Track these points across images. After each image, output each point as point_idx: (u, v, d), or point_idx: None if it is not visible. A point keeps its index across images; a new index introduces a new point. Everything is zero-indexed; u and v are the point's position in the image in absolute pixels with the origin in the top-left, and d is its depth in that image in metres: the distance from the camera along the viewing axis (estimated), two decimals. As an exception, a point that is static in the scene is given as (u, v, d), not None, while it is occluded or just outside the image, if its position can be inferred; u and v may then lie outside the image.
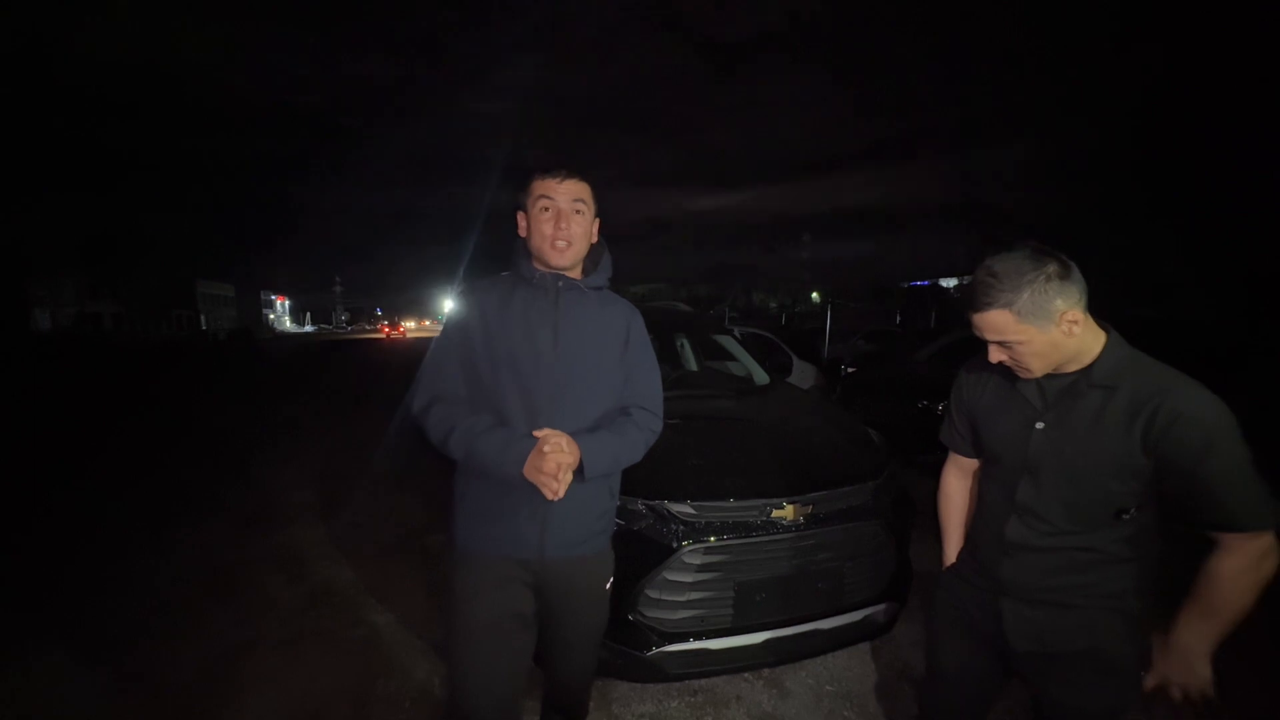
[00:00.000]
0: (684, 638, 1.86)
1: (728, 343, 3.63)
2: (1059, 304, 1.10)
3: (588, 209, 1.40)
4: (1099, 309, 1.17)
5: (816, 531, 1.95)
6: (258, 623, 2.71)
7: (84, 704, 2.19)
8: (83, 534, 3.81)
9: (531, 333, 1.36)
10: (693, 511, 1.90)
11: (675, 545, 1.86)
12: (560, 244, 1.35)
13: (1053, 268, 1.09)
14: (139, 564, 3.34)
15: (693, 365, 3.75)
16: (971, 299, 1.17)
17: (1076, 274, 1.12)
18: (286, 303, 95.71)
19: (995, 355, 1.20)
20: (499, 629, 1.38)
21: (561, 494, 1.27)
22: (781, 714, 2.12)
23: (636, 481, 1.97)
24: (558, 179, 1.37)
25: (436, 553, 3.42)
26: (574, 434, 1.33)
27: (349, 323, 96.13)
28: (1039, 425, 1.20)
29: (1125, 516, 1.14)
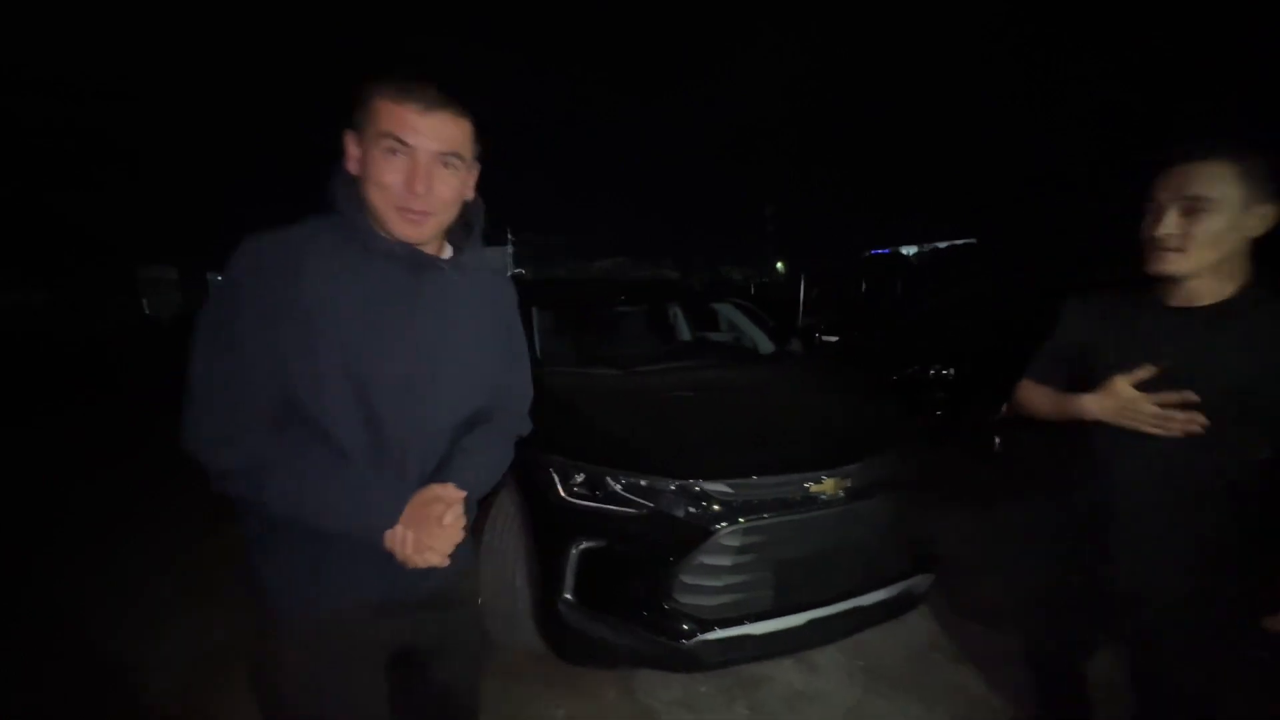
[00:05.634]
0: (724, 624, 1.75)
1: (727, 310, 3.49)
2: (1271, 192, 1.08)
3: (464, 163, 0.92)
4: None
5: (855, 503, 1.86)
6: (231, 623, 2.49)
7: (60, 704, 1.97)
8: (45, 534, 3.48)
9: (379, 328, 0.90)
10: (728, 490, 1.77)
11: (711, 527, 1.73)
12: (415, 214, 0.89)
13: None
14: (109, 562, 3.06)
15: (686, 335, 3.60)
16: (1190, 147, 1.10)
17: None
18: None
19: (1166, 226, 1.11)
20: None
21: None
22: (815, 692, 2.05)
23: (664, 459, 1.84)
24: (418, 108, 0.86)
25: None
26: (443, 467, 0.97)
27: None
28: (1166, 363, 1.12)
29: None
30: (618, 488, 1.81)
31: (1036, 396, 1.40)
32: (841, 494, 1.84)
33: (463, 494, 0.94)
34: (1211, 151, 1.08)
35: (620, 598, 1.78)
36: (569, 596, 1.81)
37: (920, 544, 2.07)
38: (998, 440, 4.30)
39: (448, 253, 1.03)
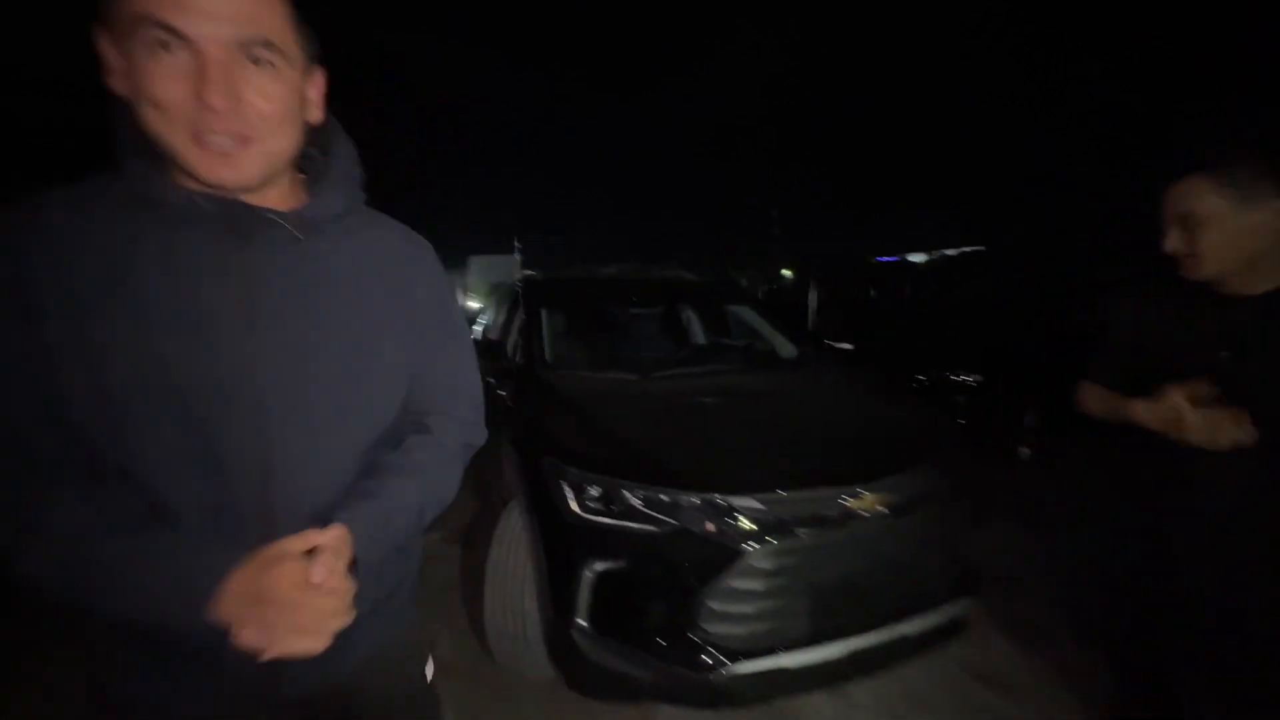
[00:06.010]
0: (755, 655, 1.57)
1: (744, 313, 3.32)
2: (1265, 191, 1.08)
3: (285, 59, 0.63)
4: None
5: (897, 519, 1.69)
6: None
7: None
8: None
9: (194, 323, 0.63)
10: (759, 506, 1.60)
11: (741, 547, 1.56)
12: (220, 139, 0.60)
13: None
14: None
15: (703, 339, 3.44)
16: (1176, 167, 1.15)
17: None
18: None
19: (1172, 242, 1.18)
20: None
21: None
22: (850, 727, 1.87)
23: (686, 472, 1.67)
24: None
25: (431, 555, 3.07)
26: (326, 512, 0.68)
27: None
28: (1223, 354, 1.14)
29: None
30: (637, 502, 1.64)
31: (1093, 397, 1.41)
32: (882, 509, 1.67)
33: (335, 534, 0.64)
34: (1188, 170, 1.15)
35: (640, 625, 1.61)
36: (583, 623, 1.64)
37: (963, 563, 1.89)
38: (1026, 450, 4.12)
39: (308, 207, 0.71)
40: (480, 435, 0.92)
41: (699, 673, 1.54)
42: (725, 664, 1.54)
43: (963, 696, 1.98)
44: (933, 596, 1.78)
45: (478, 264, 15.08)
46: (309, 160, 0.75)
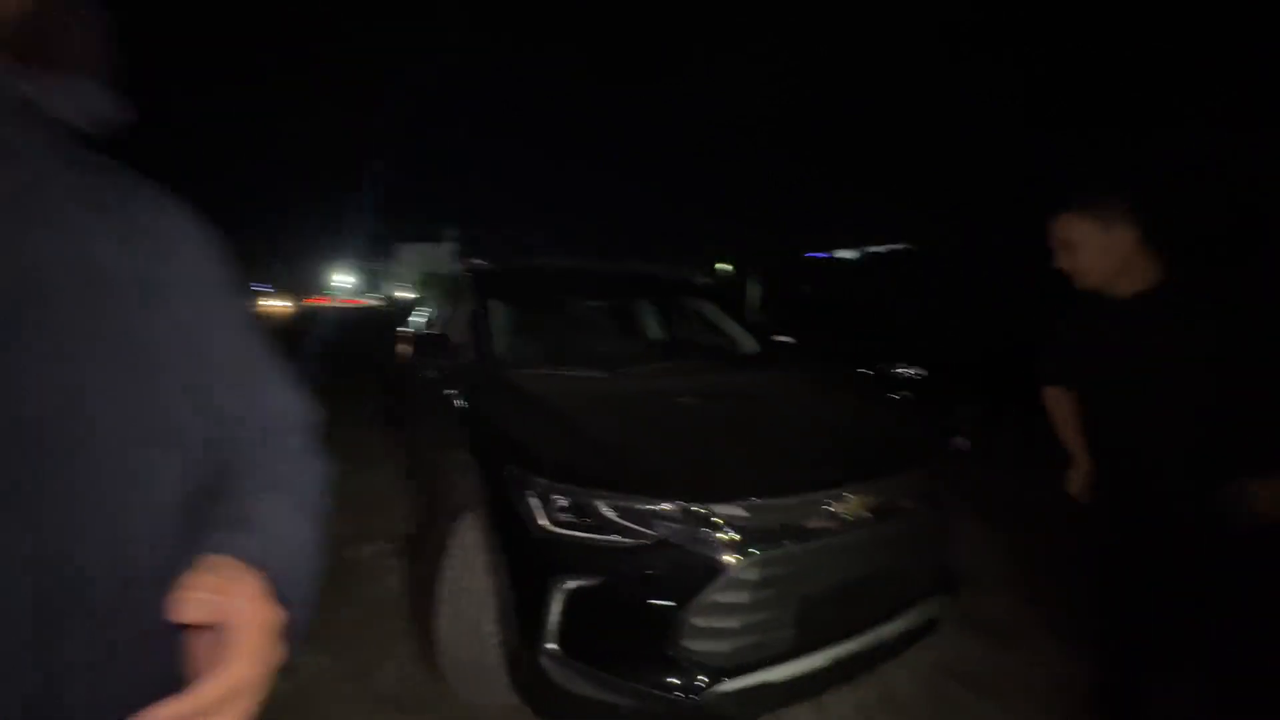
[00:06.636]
0: (740, 671, 1.48)
1: (705, 307, 3.22)
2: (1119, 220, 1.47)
3: None
4: None
5: (882, 523, 1.63)
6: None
7: None
8: None
9: None
10: (744, 514, 1.50)
11: (725, 558, 1.46)
12: None
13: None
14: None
15: (662, 335, 3.32)
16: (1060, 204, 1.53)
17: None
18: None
19: (1060, 258, 1.55)
20: None
21: None
22: (828, 733, 1.82)
23: (665, 479, 1.55)
24: None
25: (368, 570, 2.80)
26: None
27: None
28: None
29: None
30: (611, 514, 1.51)
31: (1058, 408, 1.75)
32: (866, 512, 1.61)
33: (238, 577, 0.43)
34: (1065, 208, 1.52)
35: (616, 647, 1.49)
36: (553, 646, 1.49)
37: (941, 562, 1.87)
38: (965, 441, 4.27)
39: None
40: (317, 479, 0.65)
41: (684, 694, 1.43)
42: (710, 684, 1.44)
43: (941, 698, 1.97)
44: (910, 597, 1.75)
45: (408, 253, 14.40)
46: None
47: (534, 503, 1.55)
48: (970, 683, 2.03)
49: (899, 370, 4.70)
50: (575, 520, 1.53)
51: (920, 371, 4.80)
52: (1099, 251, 1.47)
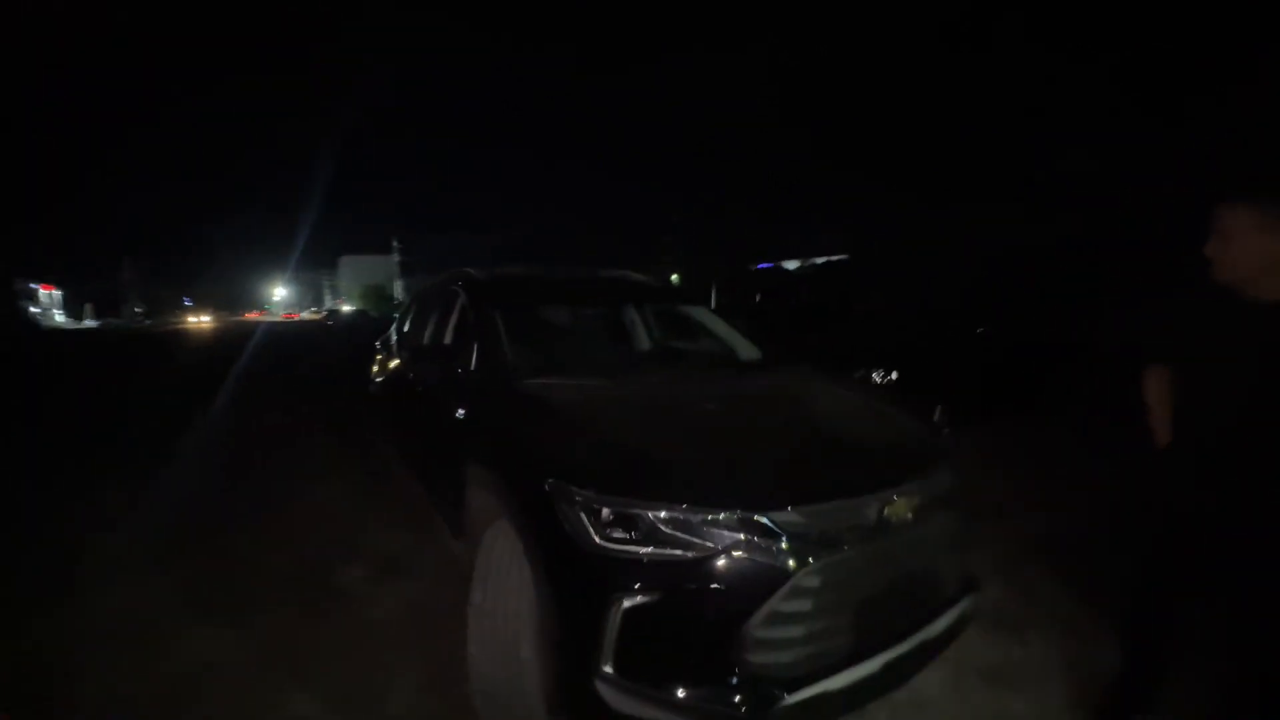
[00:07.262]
0: (803, 682, 1.44)
1: (697, 313, 3.20)
2: None
3: None
4: None
5: (921, 522, 1.64)
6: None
7: None
8: None
9: None
10: (803, 519, 1.47)
11: (787, 566, 1.42)
12: None
13: None
14: None
15: (660, 342, 3.27)
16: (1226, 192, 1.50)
17: None
18: (55, 293, 75.27)
19: (1210, 245, 1.54)
20: None
21: None
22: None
23: (719, 487, 1.51)
24: None
25: (358, 597, 2.61)
26: None
27: (146, 315, 77.15)
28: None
29: None
30: (665, 526, 1.45)
31: (1156, 387, 1.74)
32: (910, 514, 1.62)
33: None
34: (1230, 195, 1.49)
35: (677, 666, 1.42)
36: (609, 670, 1.41)
37: (965, 561, 1.91)
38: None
39: None
40: None
41: (754, 711, 1.37)
42: (777, 698, 1.40)
43: (968, 694, 1.99)
44: (948, 596, 1.77)
45: (349, 265, 13.83)
46: None
47: (583, 517, 1.48)
48: (993, 678, 2.07)
49: (873, 375, 4.84)
50: (628, 534, 1.46)
51: (891, 376, 4.95)
52: (1251, 249, 1.44)
